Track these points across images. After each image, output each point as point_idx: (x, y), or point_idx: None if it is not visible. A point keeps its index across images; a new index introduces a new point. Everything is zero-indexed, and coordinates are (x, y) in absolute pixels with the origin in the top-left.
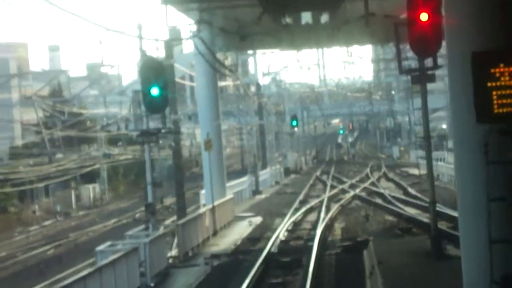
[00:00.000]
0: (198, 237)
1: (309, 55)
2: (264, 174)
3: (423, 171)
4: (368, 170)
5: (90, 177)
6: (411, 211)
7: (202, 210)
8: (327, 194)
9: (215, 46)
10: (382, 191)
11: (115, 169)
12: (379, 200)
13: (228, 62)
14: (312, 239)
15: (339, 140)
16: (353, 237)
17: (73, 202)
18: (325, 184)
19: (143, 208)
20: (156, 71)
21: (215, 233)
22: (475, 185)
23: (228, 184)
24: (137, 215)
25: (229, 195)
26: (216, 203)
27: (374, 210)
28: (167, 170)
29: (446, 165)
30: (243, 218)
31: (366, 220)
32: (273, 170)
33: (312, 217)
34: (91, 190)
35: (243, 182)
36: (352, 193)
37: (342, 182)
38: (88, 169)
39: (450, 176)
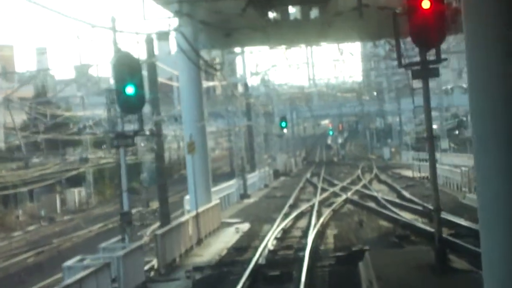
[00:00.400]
0: (180, 247)
1: (298, 54)
2: (253, 177)
3: (417, 172)
4: (359, 171)
5: (76, 181)
6: (407, 216)
7: (184, 217)
8: (318, 197)
9: (199, 43)
10: (375, 194)
11: (102, 172)
12: (372, 204)
13: (216, 62)
14: (303, 249)
15: (329, 141)
16: (347, 246)
17: (58, 207)
18: (315, 187)
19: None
20: (131, 68)
21: (199, 242)
22: (497, 197)
23: (215, 189)
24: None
25: (215, 200)
26: (200, 209)
27: (368, 215)
28: (157, 171)
29: (440, 166)
30: (230, 224)
31: (360, 226)
32: (262, 173)
33: (302, 223)
34: (76, 194)
35: (231, 186)
36: (344, 196)
37: (333, 185)
38: (74, 172)
39: (445, 178)
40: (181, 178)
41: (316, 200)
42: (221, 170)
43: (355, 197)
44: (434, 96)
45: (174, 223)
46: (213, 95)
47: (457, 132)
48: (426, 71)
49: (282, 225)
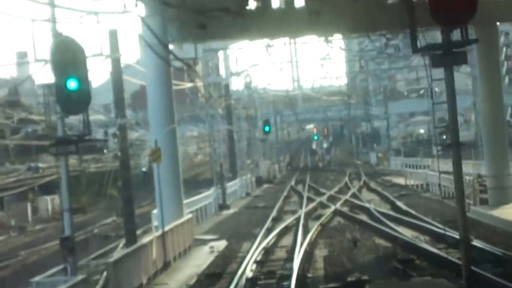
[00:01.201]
0: (140, 275)
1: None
2: (234, 185)
3: (410, 180)
4: (346, 178)
5: (50, 188)
6: (406, 233)
7: (147, 238)
8: (304, 208)
9: (168, 35)
10: (366, 205)
11: (78, 179)
12: (364, 217)
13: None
14: (288, 277)
15: (314, 146)
16: (340, 275)
17: (29, 215)
18: (301, 196)
19: (105, 221)
20: (75, 58)
21: (166, 266)
22: None
23: (189, 200)
24: (96, 230)
25: (188, 215)
26: (169, 227)
27: (361, 231)
28: (137, 177)
29: (435, 173)
30: (205, 242)
31: (354, 246)
32: (244, 180)
33: (287, 240)
34: (49, 202)
35: (208, 196)
36: (332, 207)
37: (319, 194)
38: (47, 179)
39: (444, 186)
40: None
41: (301, 212)
42: (204, 175)
43: (345, 209)
44: (422, 100)
45: (134, 246)
46: (195, 98)
47: (444, 137)
48: (450, 57)
49: (264, 243)
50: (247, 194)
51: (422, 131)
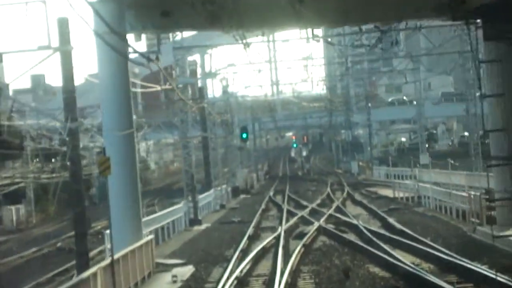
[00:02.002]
0: None
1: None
2: (207, 196)
3: (399, 192)
4: (328, 189)
5: (15, 197)
6: (405, 259)
7: (90, 270)
8: (284, 225)
9: (126, 24)
10: (354, 221)
11: (45, 188)
12: (353, 237)
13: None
14: None
15: (292, 154)
16: None
17: None
18: (280, 209)
19: (70, 234)
20: None
21: None
22: None
23: (154, 216)
24: (60, 244)
25: (148, 236)
26: (121, 252)
27: (352, 256)
28: (75, 195)
29: (427, 185)
30: (168, 268)
31: (345, 276)
32: (219, 191)
33: (265, 267)
34: (14, 212)
35: (178, 210)
36: (315, 224)
37: (300, 207)
38: (13, 187)
39: (437, 200)
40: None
41: (281, 229)
42: (179, 184)
43: (330, 225)
44: (403, 107)
45: (73, 281)
46: (171, 103)
47: (427, 145)
48: None
49: (237, 271)
50: (222, 206)
51: (403, 139)
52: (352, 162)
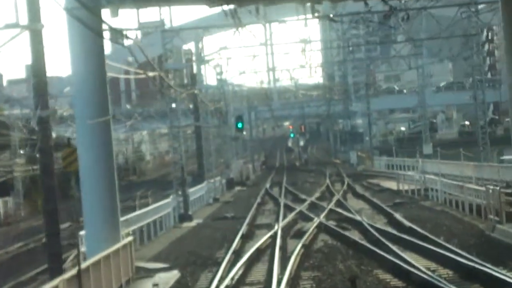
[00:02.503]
0: None
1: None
2: (200, 189)
3: (404, 185)
4: (327, 181)
5: (3, 189)
6: (419, 264)
7: (50, 284)
8: (281, 221)
9: None
10: (357, 218)
11: (34, 180)
12: (357, 235)
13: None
14: None
15: (290, 144)
16: None
17: None
18: (277, 203)
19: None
20: None
21: None
22: None
23: (140, 212)
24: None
25: (127, 238)
26: (93, 259)
27: (357, 259)
28: (44, 190)
29: (435, 177)
30: (149, 273)
31: (352, 285)
32: (212, 183)
33: (259, 272)
34: (1, 205)
35: (166, 205)
36: (315, 220)
37: (298, 200)
38: (1, 179)
39: (446, 194)
40: (129, 185)
41: (278, 227)
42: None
43: (332, 222)
44: (403, 95)
45: None
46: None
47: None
48: None
49: (229, 277)
50: (215, 200)
51: (403, 128)
52: (351, 152)
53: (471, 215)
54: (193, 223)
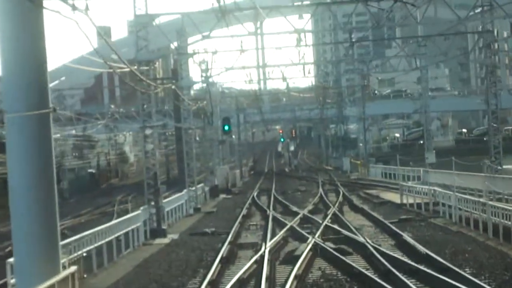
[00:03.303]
0: None
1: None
2: (179, 198)
3: (409, 198)
4: (320, 190)
5: None
6: None
7: None
8: (269, 239)
9: None
10: (359, 238)
11: (5, 181)
12: (361, 263)
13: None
14: None
15: (279, 149)
16: None
17: None
18: (264, 216)
19: (68, 220)
20: None
21: None
22: None
23: (100, 228)
24: (10, 248)
25: (69, 269)
26: None
27: None
28: (83, 179)
29: (444, 190)
30: None
31: None
32: (193, 191)
33: None
34: None
35: (136, 217)
36: (310, 239)
37: (289, 213)
38: None
39: (460, 210)
40: (111, 188)
41: (265, 248)
42: (161, 178)
43: (329, 244)
44: (400, 100)
45: None
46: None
47: (421, 142)
48: None
49: None
50: (196, 210)
51: (397, 135)
52: (344, 158)
53: (496, 239)
54: (167, 239)
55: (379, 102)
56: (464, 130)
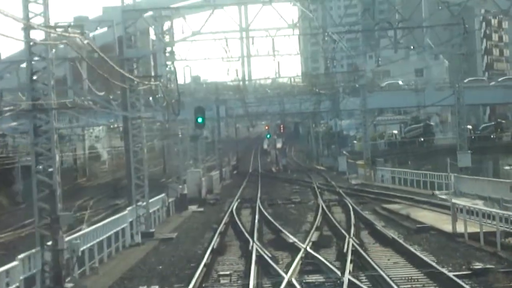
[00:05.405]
0: None
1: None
2: (118, 221)
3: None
4: (320, 201)
5: None
6: None
7: None
8: None
9: None
10: None
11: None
12: None
13: None
14: None
15: (265, 146)
16: None
17: None
18: (245, 250)
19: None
20: None
21: None
22: None
23: None
24: None
25: None
26: None
27: None
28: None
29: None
30: None
31: None
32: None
33: None
34: None
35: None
36: None
37: (283, 247)
38: None
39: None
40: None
41: None
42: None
43: None
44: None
45: None
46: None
47: (422, 139)
48: None
49: None
50: (147, 235)
51: (395, 131)
52: (339, 157)
53: None
54: None
55: (378, 94)
56: (469, 127)
